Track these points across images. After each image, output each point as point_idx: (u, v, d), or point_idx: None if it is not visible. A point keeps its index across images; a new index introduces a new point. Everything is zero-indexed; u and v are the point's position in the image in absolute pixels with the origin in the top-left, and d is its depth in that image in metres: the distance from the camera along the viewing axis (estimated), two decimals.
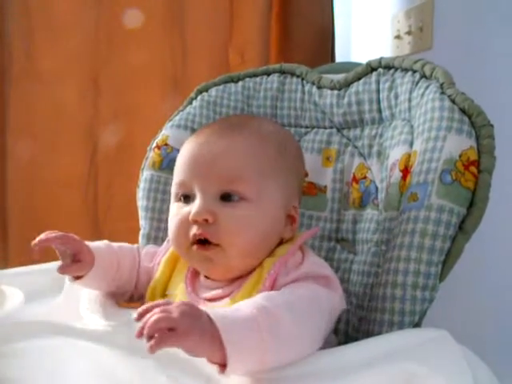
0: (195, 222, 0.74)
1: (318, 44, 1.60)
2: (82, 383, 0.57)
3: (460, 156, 0.78)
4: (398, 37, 1.54)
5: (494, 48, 1.23)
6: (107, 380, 0.57)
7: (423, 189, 0.78)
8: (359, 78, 0.98)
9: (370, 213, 0.92)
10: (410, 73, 0.91)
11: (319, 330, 0.67)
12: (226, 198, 0.75)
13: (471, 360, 0.58)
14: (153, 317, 0.54)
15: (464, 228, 0.76)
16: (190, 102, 1.07)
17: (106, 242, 0.86)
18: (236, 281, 0.76)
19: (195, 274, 0.82)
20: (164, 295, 0.82)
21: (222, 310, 0.63)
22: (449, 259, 0.76)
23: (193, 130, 1.04)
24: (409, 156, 0.85)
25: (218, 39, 1.49)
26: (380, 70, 0.96)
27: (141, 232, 1.02)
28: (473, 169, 0.77)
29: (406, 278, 0.75)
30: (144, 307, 0.56)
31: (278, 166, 0.78)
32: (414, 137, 0.86)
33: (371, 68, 0.97)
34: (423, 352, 0.59)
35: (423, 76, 0.88)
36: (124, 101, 1.40)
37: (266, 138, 0.80)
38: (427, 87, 0.86)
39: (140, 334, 0.53)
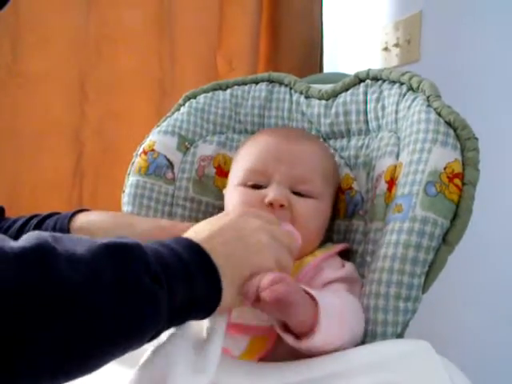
0: (271, 205, 0.81)
1: (307, 54, 1.61)
2: None
3: (445, 168, 0.78)
4: (385, 49, 1.56)
5: (479, 61, 1.24)
6: None
7: (408, 200, 0.79)
8: (347, 89, 0.99)
9: (355, 223, 0.92)
10: (397, 85, 0.92)
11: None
12: (296, 193, 0.84)
13: (452, 371, 0.58)
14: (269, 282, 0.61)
15: (447, 240, 0.77)
16: (178, 109, 1.07)
17: None
18: None
19: None
20: None
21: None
22: (432, 271, 0.76)
23: (180, 137, 1.04)
24: (395, 167, 0.86)
25: (207, 45, 1.50)
26: (368, 81, 0.96)
27: None
28: (457, 181, 0.78)
29: (389, 289, 0.75)
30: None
31: (332, 177, 0.90)
32: (400, 148, 0.86)
33: (359, 79, 0.98)
34: (404, 363, 0.59)
35: (410, 88, 0.89)
36: (111, 105, 1.39)
37: (326, 152, 0.94)
38: (414, 99, 0.87)
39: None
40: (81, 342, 0.48)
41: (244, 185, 0.86)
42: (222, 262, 0.60)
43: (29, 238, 0.50)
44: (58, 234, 0.53)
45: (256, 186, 0.85)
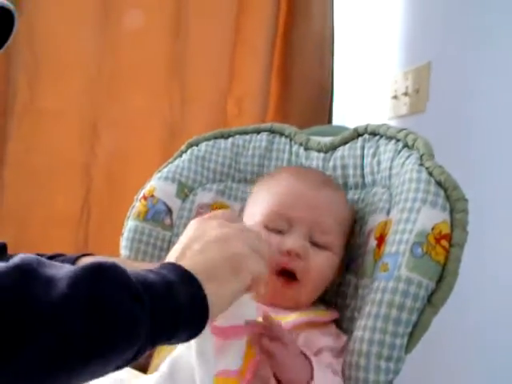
0: (289, 253, 0.82)
1: (317, 98, 1.63)
2: None
3: (432, 229, 0.79)
4: (395, 97, 1.57)
5: (486, 111, 1.24)
6: None
7: (394, 260, 0.79)
8: (346, 143, 1.00)
9: (347, 277, 0.93)
10: (393, 141, 0.93)
11: None
12: (314, 243, 0.85)
13: None
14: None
15: (432, 301, 0.77)
16: (180, 155, 1.09)
17: None
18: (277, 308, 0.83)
19: None
20: None
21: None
22: (416, 331, 0.76)
23: (180, 184, 1.06)
24: (385, 224, 0.86)
25: (217, 89, 1.53)
26: (366, 135, 0.97)
27: None
28: (444, 242, 0.78)
29: (371, 348, 0.76)
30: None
31: (346, 226, 0.90)
32: (392, 205, 0.87)
33: (358, 133, 0.99)
34: None
35: (406, 145, 0.90)
36: (120, 145, 1.43)
37: (344, 200, 0.93)
38: (408, 157, 0.88)
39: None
40: (52, 364, 0.49)
41: (266, 227, 0.86)
42: (204, 276, 0.60)
43: (14, 259, 0.52)
44: (43, 259, 0.54)
45: (276, 230, 0.85)
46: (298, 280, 0.83)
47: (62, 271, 0.53)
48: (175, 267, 0.61)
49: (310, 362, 0.73)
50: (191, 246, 0.65)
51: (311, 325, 0.83)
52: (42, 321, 0.48)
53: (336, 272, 0.89)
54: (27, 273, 0.50)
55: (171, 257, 0.66)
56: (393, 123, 1.48)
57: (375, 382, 0.75)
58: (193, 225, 0.70)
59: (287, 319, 0.81)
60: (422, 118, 1.44)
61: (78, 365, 0.51)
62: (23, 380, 0.48)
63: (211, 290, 0.60)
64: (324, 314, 0.87)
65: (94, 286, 0.52)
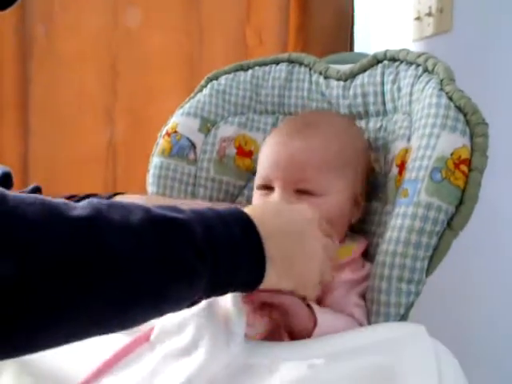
0: None
1: (338, 25, 1.60)
2: None
3: (452, 154, 0.79)
4: (418, 18, 1.53)
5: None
6: None
7: (414, 185, 0.80)
8: (365, 70, 0.99)
9: (374, 205, 0.94)
10: (413, 66, 0.91)
11: None
12: (300, 192, 0.85)
13: (443, 357, 0.61)
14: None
15: (452, 225, 0.78)
16: (201, 90, 1.10)
17: None
18: None
19: None
20: None
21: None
22: (436, 254, 0.78)
23: (202, 118, 1.07)
24: (406, 151, 0.87)
25: (236, 20, 1.50)
26: (385, 62, 0.96)
27: None
28: (463, 167, 0.79)
29: (392, 272, 0.78)
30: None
31: (347, 164, 0.89)
32: (412, 132, 0.87)
33: (377, 60, 0.98)
34: (392, 346, 0.62)
35: (426, 70, 0.89)
36: (141, 83, 1.44)
37: (335, 138, 0.90)
38: (428, 82, 0.87)
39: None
40: (116, 306, 0.53)
41: (258, 189, 0.91)
42: (274, 252, 0.64)
43: (85, 206, 0.55)
44: (113, 202, 0.58)
45: (268, 187, 0.89)
46: None
47: (133, 217, 0.56)
48: (249, 227, 0.64)
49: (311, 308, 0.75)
50: (286, 231, 0.69)
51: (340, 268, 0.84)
52: (112, 268, 0.52)
53: (350, 208, 0.90)
54: (99, 221, 0.53)
55: (263, 216, 0.67)
56: (417, 45, 1.46)
57: (397, 304, 0.78)
58: (302, 218, 0.73)
59: None
60: (448, 38, 1.40)
61: (137, 310, 0.56)
62: (84, 321, 0.53)
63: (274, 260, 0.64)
64: (348, 252, 0.87)
65: (163, 241, 0.56)
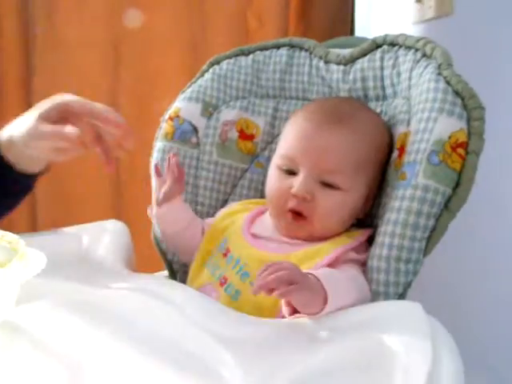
0: (295, 196, 0.86)
1: (339, 7, 1.60)
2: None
3: (449, 137, 0.81)
4: (419, 1, 1.54)
5: None
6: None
7: (412, 168, 0.82)
8: (364, 55, 1.00)
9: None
10: (412, 51, 0.92)
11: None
12: (324, 183, 0.87)
13: (439, 335, 0.63)
14: (275, 273, 0.68)
15: (449, 207, 0.81)
16: (202, 75, 1.11)
17: None
18: (302, 242, 0.89)
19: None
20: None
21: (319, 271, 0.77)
22: (433, 236, 0.81)
23: (204, 103, 1.09)
24: (405, 135, 0.88)
25: (237, 3, 1.51)
26: (385, 46, 0.97)
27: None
28: (460, 150, 0.81)
29: (391, 252, 0.81)
30: (263, 267, 0.70)
31: (371, 162, 0.90)
32: (411, 116, 0.89)
33: (376, 44, 0.98)
34: (387, 323, 0.64)
35: (424, 55, 0.90)
36: (144, 67, 1.45)
37: (367, 136, 0.90)
38: (426, 67, 0.88)
39: (258, 289, 0.68)
40: None
41: (280, 168, 0.91)
42: None
43: None
44: None
45: (290, 171, 0.90)
46: (305, 218, 0.88)
47: None
48: None
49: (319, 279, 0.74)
50: None
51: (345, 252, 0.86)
52: None
53: (362, 205, 0.91)
54: None
55: None
56: (418, 28, 1.46)
57: (395, 284, 0.80)
58: None
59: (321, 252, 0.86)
60: (449, 22, 1.41)
61: None
62: None
63: None
64: (353, 238, 0.89)
65: None
